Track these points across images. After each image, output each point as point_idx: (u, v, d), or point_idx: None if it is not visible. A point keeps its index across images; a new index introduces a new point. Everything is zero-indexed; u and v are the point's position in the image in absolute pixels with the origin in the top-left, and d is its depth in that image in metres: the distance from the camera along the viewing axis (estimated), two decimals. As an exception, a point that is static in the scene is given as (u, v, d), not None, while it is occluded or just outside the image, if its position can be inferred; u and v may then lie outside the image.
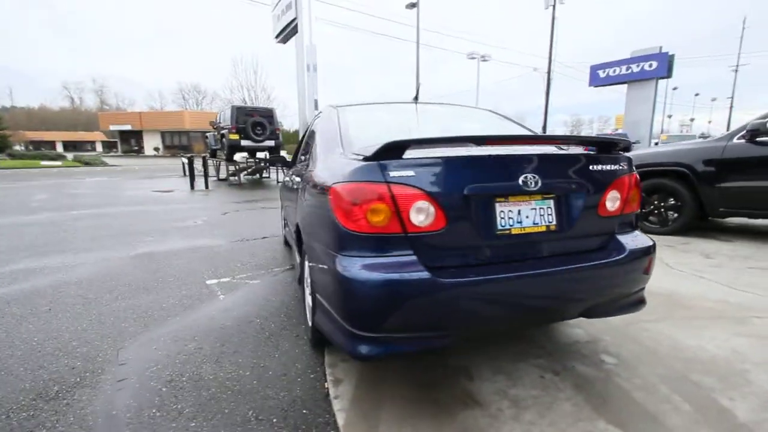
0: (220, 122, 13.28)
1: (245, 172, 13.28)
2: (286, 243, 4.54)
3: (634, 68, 23.61)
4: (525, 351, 2.10)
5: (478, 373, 1.91)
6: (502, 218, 1.56)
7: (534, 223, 1.60)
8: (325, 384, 1.87)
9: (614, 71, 24.47)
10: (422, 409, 1.66)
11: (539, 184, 1.58)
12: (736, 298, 2.68)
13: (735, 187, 4.21)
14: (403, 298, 1.39)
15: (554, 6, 26.15)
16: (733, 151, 4.22)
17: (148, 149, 39.48)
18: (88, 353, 2.17)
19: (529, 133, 2.00)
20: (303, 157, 3.10)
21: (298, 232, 2.43)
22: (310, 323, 2.22)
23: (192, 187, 10.85)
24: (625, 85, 24.73)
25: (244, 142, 11.92)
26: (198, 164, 12.22)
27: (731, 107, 36.82)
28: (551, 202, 1.64)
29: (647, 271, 1.78)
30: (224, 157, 12.61)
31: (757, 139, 4.10)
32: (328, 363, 2.04)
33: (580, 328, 2.33)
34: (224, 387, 1.85)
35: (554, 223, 1.63)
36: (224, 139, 12.18)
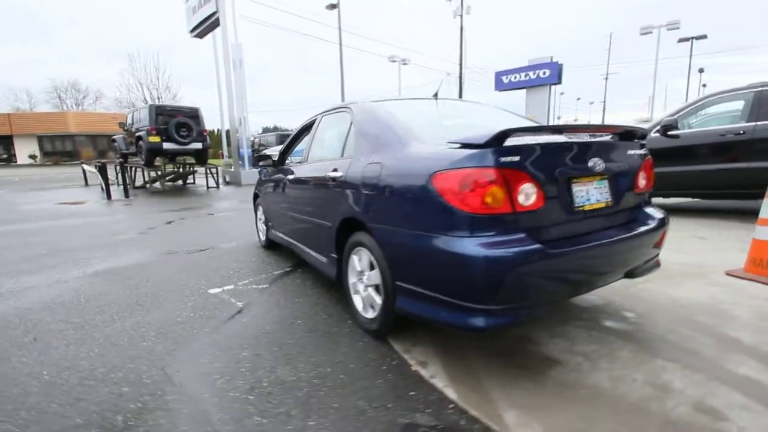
0: (133, 124, 11.87)
1: (167, 178, 12.08)
2: (269, 246, 4.35)
3: (531, 75, 26.57)
4: (562, 318, 2.39)
5: (538, 339, 2.14)
6: (578, 197, 1.79)
7: (597, 200, 1.87)
8: (412, 367, 1.93)
9: (515, 77, 27.23)
10: (516, 374, 1.83)
11: (601, 167, 1.85)
12: (691, 260, 3.33)
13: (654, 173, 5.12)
14: (522, 270, 1.55)
15: (461, 16, 28.28)
16: (651, 144, 5.12)
17: (22, 157, 33.31)
18: (127, 377, 1.92)
19: (582, 123, 2.28)
20: (318, 154, 3.06)
21: (340, 229, 2.41)
22: (368, 315, 2.25)
23: (109, 196, 9.56)
24: (524, 90, 27.69)
25: (167, 145, 10.84)
26: (110, 171, 10.77)
27: (604, 109, 43.50)
28: (606, 182, 1.93)
29: (664, 237, 2.17)
30: (141, 162, 11.32)
31: (668, 132, 5.05)
32: (402, 349, 2.10)
33: (592, 295, 2.71)
34: (315, 385, 1.81)
35: (610, 199, 1.92)
36: (141, 142, 10.93)
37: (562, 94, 55.85)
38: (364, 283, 2.28)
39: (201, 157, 11.74)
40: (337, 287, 3.06)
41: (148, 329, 2.44)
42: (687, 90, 27.43)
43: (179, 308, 2.76)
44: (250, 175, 12.86)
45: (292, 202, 3.24)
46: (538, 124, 1.74)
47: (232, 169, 13.60)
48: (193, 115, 11.32)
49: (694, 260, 3.31)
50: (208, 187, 11.78)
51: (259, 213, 4.54)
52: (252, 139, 14.77)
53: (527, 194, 1.62)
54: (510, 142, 1.63)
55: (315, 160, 3.03)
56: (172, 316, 2.62)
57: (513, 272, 1.53)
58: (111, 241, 5.05)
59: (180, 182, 12.85)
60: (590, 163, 1.82)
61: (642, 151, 2.13)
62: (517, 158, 1.60)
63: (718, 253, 3.51)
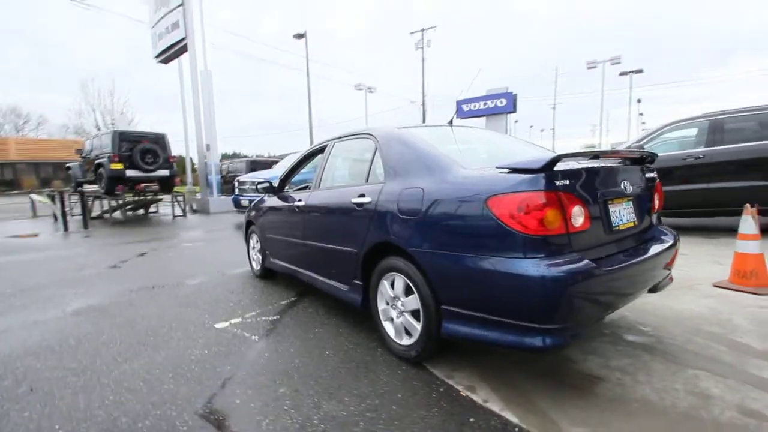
0: (92, 150, 11.20)
1: (128, 207, 11.39)
2: (264, 275, 4.19)
3: (490, 104, 28.01)
4: (588, 334, 2.47)
5: (573, 357, 2.20)
6: (614, 217, 1.91)
7: (627, 220, 2.00)
8: (461, 393, 1.91)
9: (475, 106, 28.53)
10: (565, 393, 1.86)
11: (630, 189, 1.99)
12: (678, 274, 3.57)
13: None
14: (579, 289, 1.61)
15: (423, 48, 29.68)
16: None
17: (-51, 186, 30.14)
18: (158, 426, 1.75)
19: (609, 149, 2.40)
20: (334, 180, 3.04)
21: (367, 255, 2.40)
22: (404, 341, 2.22)
23: (66, 227, 8.84)
24: (484, 118, 29.18)
25: (131, 173, 10.30)
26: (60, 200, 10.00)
27: (554, 136, 46.75)
28: (631, 203, 2.07)
29: (677, 253, 2.34)
30: (101, 191, 10.64)
31: (636, 157, 5.49)
32: (444, 375, 2.08)
33: (603, 310, 2.83)
34: (370, 419, 1.74)
35: (635, 219, 2.06)
36: (102, 170, 10.31)
37: (516, 122, 59.31)
38: (399, 309, 2.26)
39: (168, 185, 11.21)
40: (354, 314, 3.00)
41: (163, 371, 2.25)
42: (629, 118, 30.23)
43: (189, 346, 2.58)
44: (220, 202, 12.43)
45: (303, 229, 3.17)
46: (569, 151, 1.85)
47: (200, 197, 13.09)
48: (159, 141, 10.89)
49: (681, 274, 3.57)
50: (174, 216, 11.22)
51: (253, 242, 4.39)
52: (221, 166, 14.36)
53: (577, 216, 1.70)
54: (559, 166, 1.73)
55: (330, 186, 3.01)
56: (184, 355, 2.44)
57: (571, 291, 1.59)
58: (81, 276, 4.66)
59: (141, 211, 12.16)
60: (622, 186, 1.96)
61: (653, 174, 2.32)
62: (568, 182, 1.69)
63: (699, 267, 3.81)
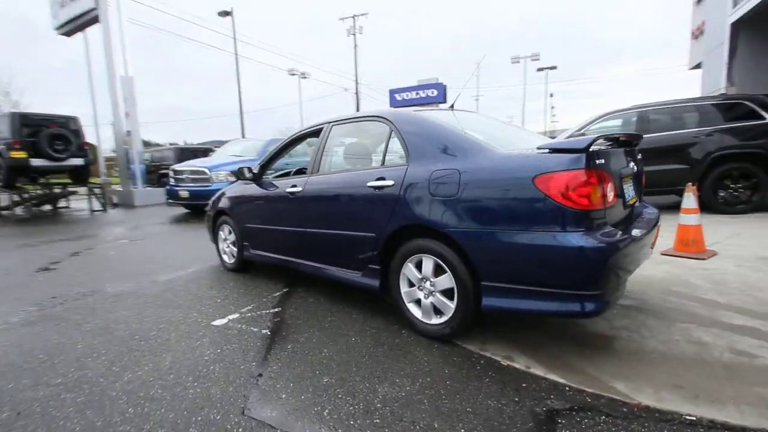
0: (-20, 136, 9.37)
1: (33, 202, 9.79)
2: (240, 268, 3.92)
3: (422, 94, 28.90)
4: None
5: (581, 322, 2.42)
6: (626, 193, 2.14)
7: (631, 196, 2.25)
8: (502, 362, 2.02)
9: (408, 95, 29.26)
10: (591, 352, 2.07)
11: (633, 168, 2.24)
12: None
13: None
14: (620, 256, 1.79)
15: (355, 35, 29.38)
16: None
17: None
18: None
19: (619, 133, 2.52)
20: (337, 164, 2.94)
21: (391, 238, 2.38)
22: (434, 320, 2.27)
23: (-47, 229, 7.34)
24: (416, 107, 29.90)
25: (36, 161, 8.84)
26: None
27: (477, 126, 49.66)
28: (632, 181, 2.33)
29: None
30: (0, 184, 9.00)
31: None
32: (479, 349, 2.17)
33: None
34: (431, 395, 1.76)
35: (635, 195, 2.32)
36: (0, 159, 8.72)
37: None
38: (427, 290, 2.29)
39: (81, 176, 9.83)
40: (359, 299, 2.97)
41: (179, 375, 2.04)
42: (545, 110, 33.09)
43: (194, 346, 2.36)
44: (146, 195, 11.23)
45: (300, 217, 3.03)
46: (598, 134, 2.03)
47: (120, 189, 11.69)
48: (71, 125, 9.47)
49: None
50: (92, 211, 9.90)
51: (224, 233, 4.08)
52: (145, 154, 12.90)
53: (610, 192, 1.88)
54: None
55: (333, 170, 2.90)
56: (194, 356, 2.23)
57: (612, 259, 1.76)
58: (9, 282, 3.96)
59: (48, 207, 10.53)
60: (630, 165, 2.19)
61: (640, 155, 2.62)
62: (603, 161, 1.86)
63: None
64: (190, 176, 8.49)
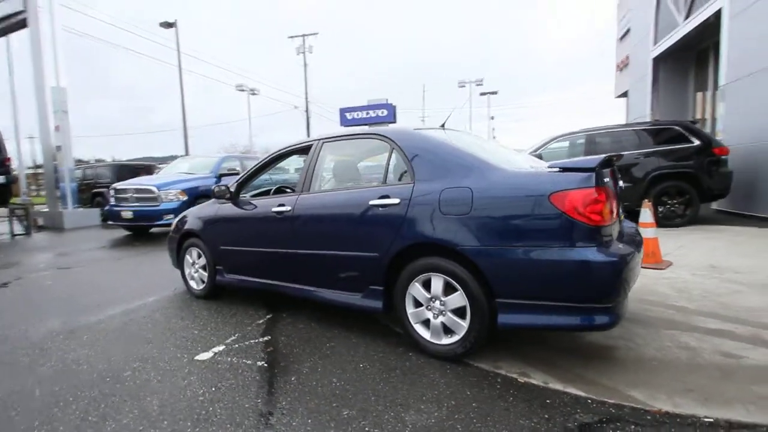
0: None
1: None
2: (211, 295, 3.62)
3: (372, 113, 29.38)
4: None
5: (579, 335, 2.52)
6: (614, 210, 2.28)
7: (618, 213, 2.40)
8: (519, 380, 2.03)
9: (358, 114, 29.58)
10: (598, 363, 2.14)
11: (617, 186, 2.40)
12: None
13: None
14: (628, 269, 1.89)
15: (304, 54, 29.38)
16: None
17: None
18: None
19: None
20: (332, 183, 2.85)
21: (397, 257, 2.33)
22: (445, 341, 2.23)
23: None
24: (367, 127, 30.30)
25: (-57, 180, 7.67)
26: None
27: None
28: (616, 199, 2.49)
29: None
30: None
31: (536, 164, 6.50)
32: (492, 368, 2.16)
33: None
34: (462, 420, 1.71)
35: (618, 212, 2.49)
36: None
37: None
38: (437, 310, 2.26)
39: (3, 195, 8.66)
40: (354, 323, 2.86)
41: (174, 420, 1.80)
42: (487, 132, 35.31)
43: (182, 386, 2.10)
44: (78, 216, 10.13)
45: (290, 237, 2.87)
46: (606, 154, 2.14)
47: (47, 210, 10.44)
48: (-11, 138, 8.36)
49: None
50: (13, 235, 8.71)
51: (192, 257, 3.75)
52: (77, 172, 11.66)
53: (613, 208, 1.99)
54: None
55: (327, 189, 2.80)
56: (186, 397, 1.99)
57: (624, 272, 1.86)
58: None
59: (-46, 231, 9.10)
60: (613, 183, 2.35)
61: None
62: (607, 179, 1.97)
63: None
64: (135, 195, 7.81)
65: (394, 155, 2.51)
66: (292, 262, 2.91)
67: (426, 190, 2.25)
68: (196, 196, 8.05)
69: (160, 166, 15.84)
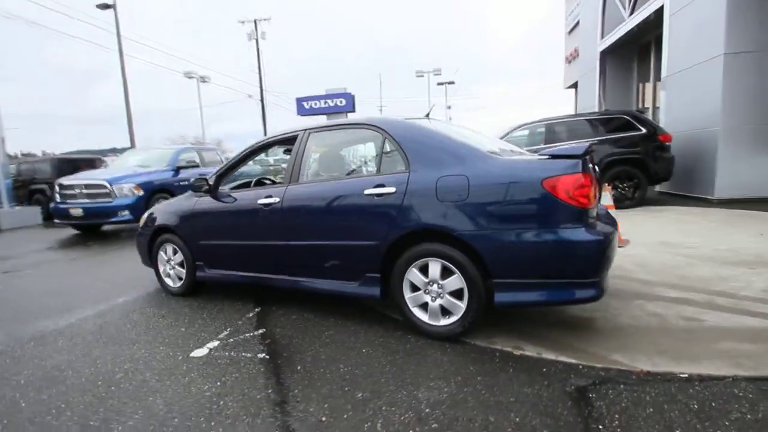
0: None
1: None
2: (189, 291, 3.50)
3: (330, 103, 28.78)
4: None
5: (559, 309, 2.72)
6: (595, 194, 2.47)
7: (597, 196, 2.61)
8: (515, 353, 2.18)
9: (316, 104, 28.84)
10: (582, 332, 2.34)
11: (595, 173, 2.60)
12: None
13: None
14: (612, 246, 2.07)
15: (257, 40, 28.21)
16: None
17: None
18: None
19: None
20: (322, 173, 2.83)
21: (394, 244, 2.39)
22: (443, 321, 2.33)
23: None
24: (325, 116, 29.76)
25: None
26: None
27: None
28: (593, 182, 2.70)
29: None
30: None
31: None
32: (488, 344, 2.29)
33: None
34: (471, 392, 1.82)
35: (598, 195, 2.70)
36: None
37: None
38: (434, 293, 2.35)
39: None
40: (346, 309, 2.90)
41: (185, 417, 1.76)
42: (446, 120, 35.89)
43: (185, 383, 2.06)
44: (16, 215, 9.26)
45: (279, 229, 2.84)
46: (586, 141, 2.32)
47: (-25, 210, 9.40)
48: None
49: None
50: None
51: (167, 254, 3.58)
52: (11, 167, 10.57)
53: (595, 192, 2.17)
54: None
55: (317, 180, 2.79)
56: (192, 394, 1.95)
57: (608, 249, 2.04)
58: None
59: None
60: (595, 168, 2.54)
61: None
62: (590, 165, 2.13)
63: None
64: (84, 191, 7.25)
65: (387, 144, 2.55)
66: (282, 254, 2.88)
67: (422, 179, 2.32)
68: (153, 190, 7.64)
69: (106, 159, 14.77)
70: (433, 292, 2.35)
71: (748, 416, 1.55)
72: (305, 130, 2.95)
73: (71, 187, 7.32)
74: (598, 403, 1.70)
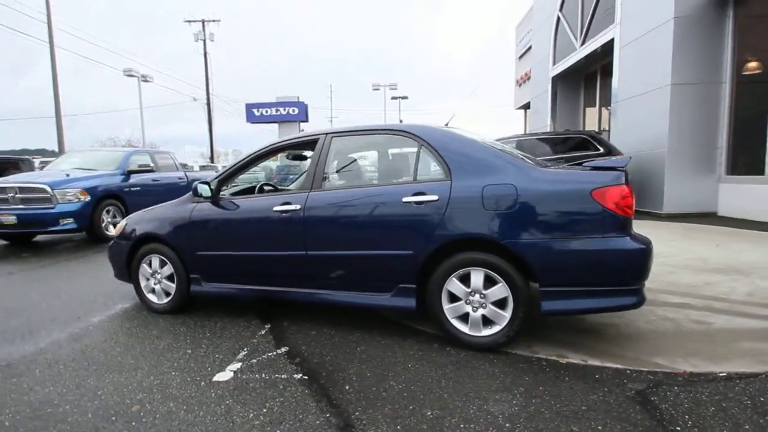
0: None
1: None
2: (177, 309, 3.15)
3: (282, 111, 28.14)
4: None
5: (580, 318, 2.82)
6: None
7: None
8: (561, 361, 2.20)
9: (266, 111, 28.08)
10: (611, 338, 2.44)
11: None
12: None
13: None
14: (652, 255, 2.19)
15: (204, 41, 26.97)
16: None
17: None
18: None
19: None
20: (349, 180, 2.71)
21: (434, 253, 2.33)
22: (484, 332, 2.31)
23: None
24: (276, 125, 28.96)
25: None
26: None
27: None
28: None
29: None
30: None
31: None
32: (530, 353, 2.30)
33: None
34: (540, 404, 1.80)
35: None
36: None
37: (302, 131, 61.53)
38: (477, 303, 2.31)
39: None
40: (366, 321, 2.77)
41: (242, 451, 1.55)
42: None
43: (221, 412, 1.82)
44: None
45: (300, 238, 2.64)
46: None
47: None
48: None
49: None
50: None
51: (153, 266, 3.19)
52: None
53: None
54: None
55: (346, 186, 2.66)
56: (238, 423, 1.73)
57: (651, 257, 2.16)
58: None
59: None
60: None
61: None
62: (629, 177, 2.26)
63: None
64: (19, 196, 6.33)
65: (422, 152, 2.50)
66: (301, 265, 2.70)
67: (466, 187, 2.30)
68: (102, 196, 6.91)
69: (35, 160, 13.14)
70: (475, 302, 2.32)
71: (798, 409, 1.69)
72: (326, 134, 2.82)
73: (2, 190, 6.36)
74: (663, 405, 1.76)
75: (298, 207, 2.66)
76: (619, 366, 2.12)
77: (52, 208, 6.29)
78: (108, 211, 7.02)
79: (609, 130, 8.87)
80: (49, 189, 6.35)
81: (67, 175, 6.88)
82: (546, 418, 1.70)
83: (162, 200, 9.19)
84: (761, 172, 5.99)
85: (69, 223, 6.36)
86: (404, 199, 2.40)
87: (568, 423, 1.66)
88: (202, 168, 16.93)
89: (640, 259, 2.10)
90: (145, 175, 8.03)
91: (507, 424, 1.67)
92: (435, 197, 2.34)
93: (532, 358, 2.24)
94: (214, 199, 2.99)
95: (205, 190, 2.91)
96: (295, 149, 2.96)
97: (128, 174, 7.66)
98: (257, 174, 11.63)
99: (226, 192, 3.21)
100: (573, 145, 7.44)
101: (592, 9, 9.41)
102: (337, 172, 2.79)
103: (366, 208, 2.53)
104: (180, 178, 9.35)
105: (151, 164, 8.36)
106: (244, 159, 3.06)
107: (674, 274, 3.68)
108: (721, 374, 1.99)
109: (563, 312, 2.23)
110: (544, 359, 2.23)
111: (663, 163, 6.80)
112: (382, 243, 2.47)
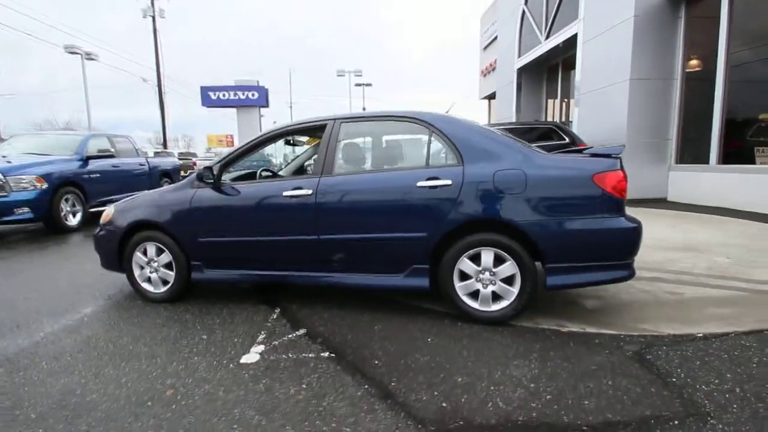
0: None
1: None
2: (176, 297, 3.09)
3: (241, 95, 26.97)
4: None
5: (569, 292, 3.08)
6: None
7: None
8: (563, 330, 2.43)
9: (224, 95, 26.80)
10: (604, 307, 2.71)
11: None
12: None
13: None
14: (642, 233, 2.45)
15: (154, 17, 25.16)
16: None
17: None
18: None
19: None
20: (361, 164, 2.76)
21: (448, 235, 2.47)
22: (494, 307, 2.49)
23: None
24: (235, 109, 27.80)
25: None
26: None
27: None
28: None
29: None
30: None
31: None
32: (533, 324, 2.51)
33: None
34: (556, 367, 2.01)
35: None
36: None
37: (262, 116, 59.47)
38: (486, 280, 2.49)
39: None
40: (380, 300, 2.87)
41: (294, 423, 1.62)
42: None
43: (261, 390, 1.87)
44: None
45: (312, 223, 2.68)
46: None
47: None
48: None
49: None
50: None
51: (147, 255, 3.09)
52: None
53: (623, 186, 2.54)
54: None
55: (358, 170, 2.71)
56: (281, 399, 1.79)
57: (642, 234, 2.42)
58: None
59: None
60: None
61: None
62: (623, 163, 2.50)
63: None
64: (-9, 182, 5.76)
65: (434, 138, 2.61)
66: (312, 249, 2.74)
67: (478, 172, 2.45)
68: (60, 184, 6.45)
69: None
70: (485, 279, 2.49)
71: (765, 359, 2.01)
72: (335, 119, 2.85)
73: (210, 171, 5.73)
74: (658, 362, 2.02)
75: (310, 192, 2.69)
76: (613, 332, 2.38)
77: (6, 196, 5.80)
78: (67, 200, 6.56)
79: (572, 121, 9.42)
80: (1, 176, 5.83)
81: (18, 162, 6.32)
82: (563, 377, 1.91)
83: (124, 187, 8.68)
84: (706, 162, 6.67)
85: (25, 212, 5.90)
86: (419, 184, 2.51)
87: (584, 380, 1.87)
88: (157, 154, 15.98)
89: (633, 236, 2.36)
90: (104, 161, 7.55)
91: (531, 385, 1.85)
92: (449, 182, 2.47)
93: (537, 329, 2.46)
94: (217, 184, 2.95)
95: (207, 175, 2.85)
96: (304, 134, 2.97)
97: (86, 160, 7.18)
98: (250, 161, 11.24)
99: (226, 178, 3.17)
100: (539, 135, 7.84)
101: (556, 4, 9.85)
102: (347, 157, 2.84)
103: (380, 193, 2.61)
104: (141, 164, 8.88)
105: (111, 149, 7.87)
106: (247, 144, 3.02)
107: (644, 252, 4.07)
108: (699, 335, 2.30)
109: (565, 286, 2.45)
110: (547, 329, 2.45)
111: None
112: (396, 226, 2.57)
